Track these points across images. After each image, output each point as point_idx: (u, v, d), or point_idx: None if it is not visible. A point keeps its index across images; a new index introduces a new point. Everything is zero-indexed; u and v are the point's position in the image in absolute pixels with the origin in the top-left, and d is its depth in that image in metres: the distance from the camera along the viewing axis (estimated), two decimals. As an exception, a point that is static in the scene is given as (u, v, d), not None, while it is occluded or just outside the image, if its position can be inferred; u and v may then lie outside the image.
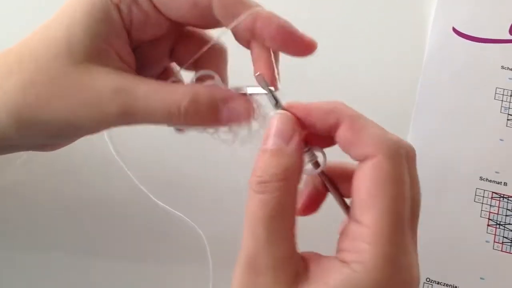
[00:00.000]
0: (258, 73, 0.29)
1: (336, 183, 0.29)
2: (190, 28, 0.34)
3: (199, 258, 0.40)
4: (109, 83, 0.28)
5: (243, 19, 0.29)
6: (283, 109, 0.28)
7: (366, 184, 0.25)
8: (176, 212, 0.42)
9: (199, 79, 0.31)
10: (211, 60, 0.32)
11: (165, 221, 0.43)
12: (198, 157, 0.44)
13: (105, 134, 0.38)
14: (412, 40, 0.52)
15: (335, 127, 0.26)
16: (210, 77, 0.31)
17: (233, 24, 0.29)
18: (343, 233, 0.26)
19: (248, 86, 0.29)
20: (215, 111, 0.29)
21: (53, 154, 0.35)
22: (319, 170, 0.28)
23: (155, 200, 0.42)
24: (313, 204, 0.31)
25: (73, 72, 0.28)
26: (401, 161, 0.25)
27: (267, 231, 0.24)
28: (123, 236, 0.44)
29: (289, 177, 0.25)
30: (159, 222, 0.43)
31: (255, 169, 0.26)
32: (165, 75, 0.35)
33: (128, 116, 0.28)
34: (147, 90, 0.28)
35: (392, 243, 0.24)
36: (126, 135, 0.42)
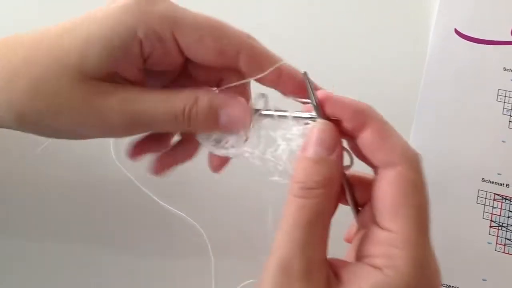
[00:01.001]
0: (304, 71, 0.29)
1: (353, 188, 0.30)
2: None
3: (201, 256, 0.41)
4: (114, 97, 0.29)
5: (267, 73, 0.30)
6: (325, 118, 0.28)
7: (391, 192, 0.26)
8: (177, 211, 0.42)
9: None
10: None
11: (166, 220, 0.43)
12: (199, 156, 0.44)
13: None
14: (414, 41, 0.52)
15: (360, 128, 0.27)
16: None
17: (257, 77, 0.31)
18: (365, 240, 0.27)
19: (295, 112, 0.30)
20: (214, 115, 0.30)
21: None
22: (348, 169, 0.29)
23: (157, 199, 0.42)
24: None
25: (82, 86, 0.28)
26: (422, 171, 0.27)
27: (305, 235, 0.25)
28: (124, 234, 0.44)
29: (330, 185, 0.26)
30: (161, 221, 0.43)
31: (296, 175, 0.26)
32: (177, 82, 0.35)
33: (135, 125, 0.29)
34: (152, 98, 0.29)
35: (420, 248, 0.25)
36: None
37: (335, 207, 0.29)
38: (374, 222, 0.26)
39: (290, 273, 0.24)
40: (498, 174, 0.46)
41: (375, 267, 0.25)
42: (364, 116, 0.27)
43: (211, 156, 0.33)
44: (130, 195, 0.42)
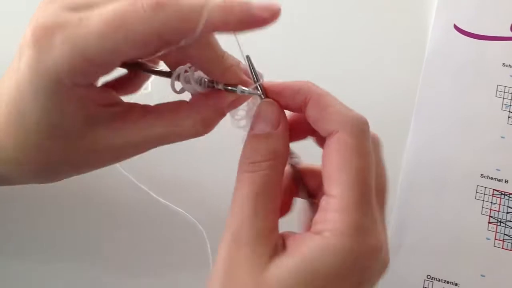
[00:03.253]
0: (247, 55, 0.29)
1: (304, 178, 0.32)
2: None
3: (199, 254, 0.40)
4: (116, 144, 0.28)
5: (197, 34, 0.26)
6: (267, 97, 0.29)
7: (330, 158, 0.27)
8: (177, 208, 0.42)
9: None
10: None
11: (166, 217, 0.43)
12: (199, 154, 0.44)
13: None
14: (413, 37, 0.52)
15: (304, 105, 0.28)
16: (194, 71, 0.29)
17: (194, 36, 0.26)
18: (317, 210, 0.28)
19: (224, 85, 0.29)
20: (222, 116, 0.30)
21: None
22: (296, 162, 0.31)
23: (156, 197, 0.42)
24: (285, 204, 0.33)
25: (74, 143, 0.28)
26: (364, 135, 0.27)
27: (252, 206, 0.26)
28: (123, 232, 0.44)
29: (277, 157, 0.28)
30: (161, 218, 0.43)
31: (244, 152, 0.28)
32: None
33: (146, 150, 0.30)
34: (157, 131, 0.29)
35: (358, 210, 0.25)
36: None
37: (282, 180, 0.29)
38: (324, 191, 0.27)
39: (239, 242, 0.26)
40: (497, 169, 0.46)
41: (316, 232, 0.26)
42: (303, 93, 0.28)
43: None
44: (130, 192, 0.42)
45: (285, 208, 0.33)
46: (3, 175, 0.30)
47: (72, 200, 0.44)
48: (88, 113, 0.27)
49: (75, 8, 0.26)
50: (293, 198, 0.33)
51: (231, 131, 0.34)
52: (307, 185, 0.32)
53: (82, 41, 0.25)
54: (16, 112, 0.27)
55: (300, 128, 0.30)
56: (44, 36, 0.25)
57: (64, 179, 0.31)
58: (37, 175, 0.30)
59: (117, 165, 0.39)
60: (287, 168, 0.31)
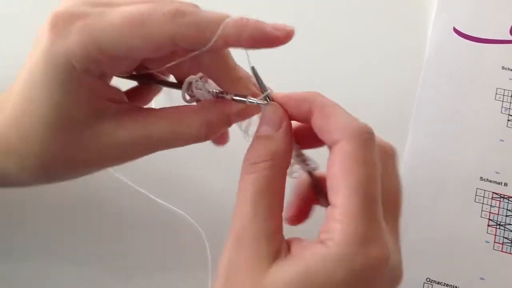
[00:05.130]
0: (252, 65, 0.29)
1: (322, 185, 0.30)
2: None
3: (198, 255, 0.40)
4: (119, 139, 0.28)
5: (209, 47, 0.27)
6: (273, 100, 0.29)
7: (334, 168, 0.26)
8: (177, 209, 0.42)
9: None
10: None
11: (166, 219, 0.43)
12: (200, 155, 0.44)
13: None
14: (412, 40, 0.52)
15: (310, 115, 0.28)
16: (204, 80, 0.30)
17: (207, 48, 0.27)
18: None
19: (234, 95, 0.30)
20: (228, 124, 0.30)
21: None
22: (312, 168, 0.31)
23: (155, 198, 0.42)
24: (304, 212, 0.33)
25: (80, 139, 0.28)
26: (365, 143, 0.26)
27: (254, 207, 0.26)
28: (122, 233, 0.44)
29: (276, 158, 0.27)
30: (160, 219, 0.43)
31: (247, 154, 0.28)
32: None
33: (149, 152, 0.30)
34: (161, 131, 0.29)
35: (360, 219, 0.25)
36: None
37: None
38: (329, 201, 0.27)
39: (241, 244, 0.26)
40: (497, 172, 0.46)
41: (320, 241, 0.25)
42: (308, 103, 0.28)
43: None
44: (129, 193, 0.42)
45: (303, 215, 0.33)
46: (2, 170, 0.30)
47: (72, 203, 0.44)
48: (96, 105, 0.28)
49: (98, 4, 0.27)
50: (312, 205, 0.33)
51: (232, 133, 0.34)
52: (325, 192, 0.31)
53: (99, 32, 0.26)
54: (26, 99, 0.28)
55: (312, 137, 0.30)
56: (62, 22, 0.26)
57: (63, 182, 0.31)
58: (36, 172, 0.30)
59: (116, 169, 0.39)
60: (305, 176, 0.31)
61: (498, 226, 0.44)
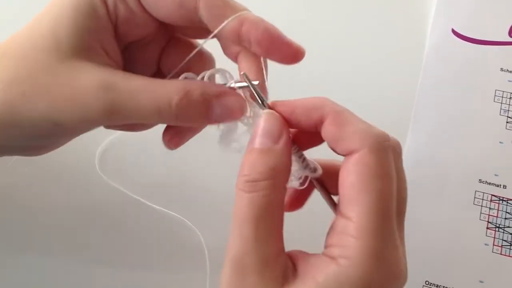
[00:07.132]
0: (243, 72, 0.29)
1: (323, 180, 0.29)
2: (179, 35, 0.34)
3: (197, 259, 0.40)
4: (95, 79, 0.28)
5: (229, 21, 0.28)
6: (270, 108, 0.28)
7: (351, 179, 0.25)
8: (175, 214, 0.42)
9: None
10: (198, 68, 0.31)
11: (164, 223, 0.42)
12: (199, 159, 0.43)
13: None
14: (411, 41, 0.52)
15: (320, 123, 0.26)
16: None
17: (220, 28, 0.29)
18: (330, 229, 0.26)
19: (236, 82, 0.29)
20: (207, 107, 0.29)
21: (45, 159, 0.34)
22: (317, 174, 0.29)
23: (151, 204, 0.42)
24: (298, 200, 0.32)
25: (59, 68, 0.28)
26: (386, 155, 0.25)
27: (255, 231, 0.24)
28: (121, 238, 0.43)
29: (277, 176, 0.25)
30: (159, 224, 0.43)
31: (242, 168, 0.26)
32: None
33: (115, 113, 0.28)
34: (135, 85, 0.28)
35: (378, 237, 0.24)
36: (126, 137, 0.42)
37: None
38: (339, 211, 0.26)
39: (244, 270, 0.24)
40: (495, 175, 0.46)
41: (331, 257, 0.24)
42: (319, 110, 0.26)
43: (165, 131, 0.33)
44: (127, 199, 0.42)
45: (297, 204, 0.32)
46: None
47: (70, 211, 0.44)
48: (97, 44, 0.29)
49: None
50: (308, 195, 0.31)
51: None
52: (325, 185, 0.29)
53: None
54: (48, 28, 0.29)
55: (306, 139, 0.29)
56: None
57: (57, 184, 0.31)
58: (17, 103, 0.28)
59: (106, 178, 0.39)
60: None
61: (497, 229, 0.44)
